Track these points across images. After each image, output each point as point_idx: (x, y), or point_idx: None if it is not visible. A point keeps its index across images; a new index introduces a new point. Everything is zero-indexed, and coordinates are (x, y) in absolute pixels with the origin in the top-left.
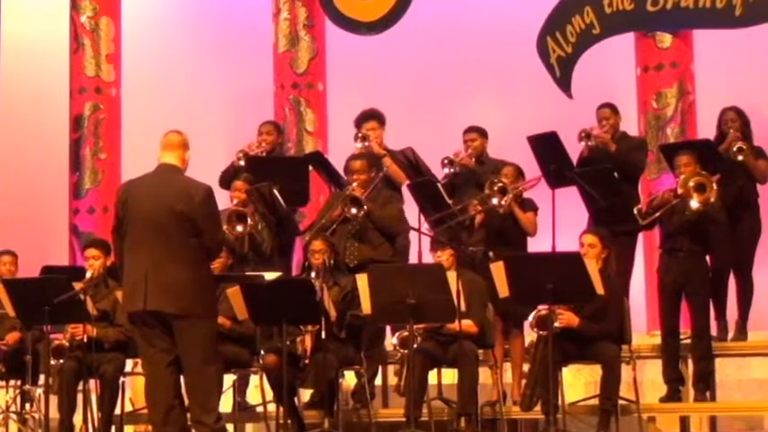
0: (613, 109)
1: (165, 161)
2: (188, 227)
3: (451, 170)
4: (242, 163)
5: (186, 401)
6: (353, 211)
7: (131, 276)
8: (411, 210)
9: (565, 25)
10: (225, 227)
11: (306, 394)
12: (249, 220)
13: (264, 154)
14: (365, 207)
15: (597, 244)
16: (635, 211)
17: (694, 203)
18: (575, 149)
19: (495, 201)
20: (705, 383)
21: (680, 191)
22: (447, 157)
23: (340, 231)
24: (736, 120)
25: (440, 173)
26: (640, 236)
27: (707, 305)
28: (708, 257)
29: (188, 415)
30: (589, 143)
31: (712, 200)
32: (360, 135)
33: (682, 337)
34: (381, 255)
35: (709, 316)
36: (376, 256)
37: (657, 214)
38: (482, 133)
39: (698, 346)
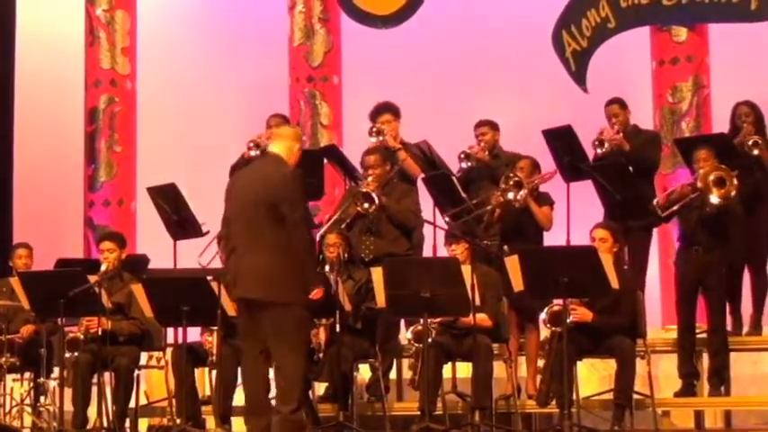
0: (622, 104)
1: (270, 149)
2: (273, 214)
3: (468, 164)
4: (252, 153)
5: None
6: (366, 205)
7: (229, 264)
8: (427, 203)
9: (580, 19)
10: None
11: (320, 387)
12: None
13: None
14: (377, 201)
15: (608, 238)
16: (654, 203)
17: (714, 198)
18: (590, 143)
19: (510, 195)
20: (720, 378)
21: (699, 185)
22: (463, 152)
23: (356, 226)
24: (749, 114)
25: (455, 167)
26: (655, 230)
27: (724, 300)
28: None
29: None
30: (603, 149)
31: (733, 194)
32: (374, 129)
33: (697, 331)
34: (397, 248)
35: (725, 311)
36: (392, 249)
37: (675, 208)
38: (493, 126)
39: (714, 341)
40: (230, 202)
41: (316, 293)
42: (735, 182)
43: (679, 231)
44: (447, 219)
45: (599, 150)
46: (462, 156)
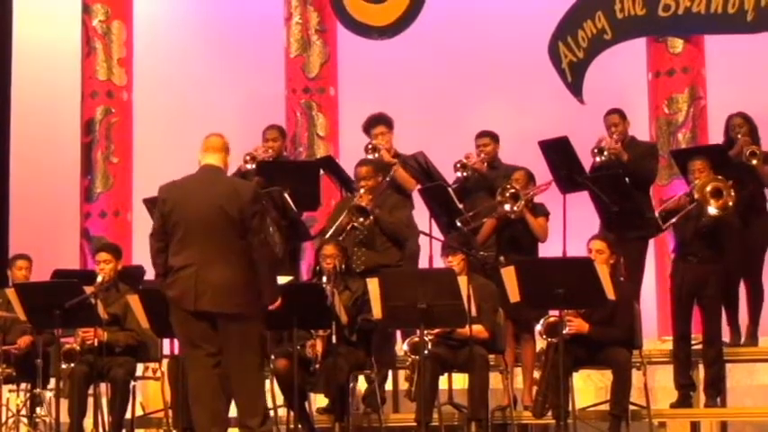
0: (621, 115)
1: (208, 162)
2: (237, 227)
3: (464, 174)
4: (249, 166)
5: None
6: (360, 219)
7: (181, 276)
8: (423, 214)
9: (576, 30)
10: None
11: (319, 400)
12: None
13: (271, 159)
14: (371, 216)
15: (605, 250)
16: (656, 216)
17: (712, 210)
18: (586, 154)
19: (507, 207)
20: (716, 389)
21: (696, 196)
22: (460, 161)
23: (348, 237)
24: (743, 125)
25: (451, 177)
26: (651, 241)
27: (719, 311)
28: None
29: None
30: (602, 158)
31: (730, 204)
32: (370, 146)
33: (693, 342)
34: (388, 259)
35: (720, 322)
36: (383, 260)
37: (674, 220)
38: (494, 138)
39: (709, 353)
40: (179, 212)
41: (276, 304)
42: (731, 192)
43: (675, 242)
44: (441, 229)
45: (598, 159)
46: (459, 165)
